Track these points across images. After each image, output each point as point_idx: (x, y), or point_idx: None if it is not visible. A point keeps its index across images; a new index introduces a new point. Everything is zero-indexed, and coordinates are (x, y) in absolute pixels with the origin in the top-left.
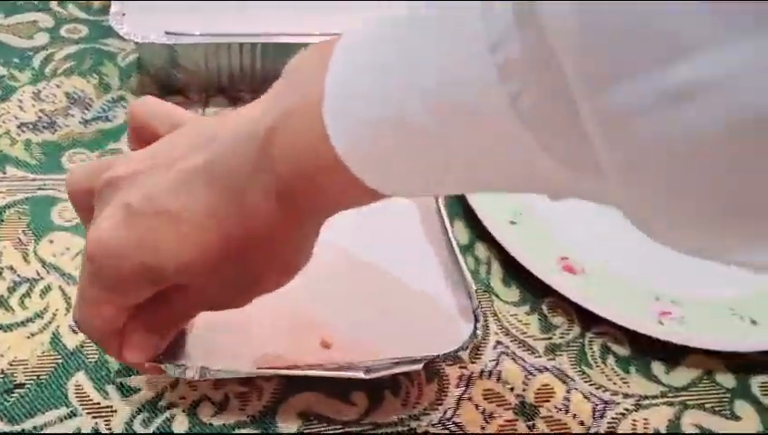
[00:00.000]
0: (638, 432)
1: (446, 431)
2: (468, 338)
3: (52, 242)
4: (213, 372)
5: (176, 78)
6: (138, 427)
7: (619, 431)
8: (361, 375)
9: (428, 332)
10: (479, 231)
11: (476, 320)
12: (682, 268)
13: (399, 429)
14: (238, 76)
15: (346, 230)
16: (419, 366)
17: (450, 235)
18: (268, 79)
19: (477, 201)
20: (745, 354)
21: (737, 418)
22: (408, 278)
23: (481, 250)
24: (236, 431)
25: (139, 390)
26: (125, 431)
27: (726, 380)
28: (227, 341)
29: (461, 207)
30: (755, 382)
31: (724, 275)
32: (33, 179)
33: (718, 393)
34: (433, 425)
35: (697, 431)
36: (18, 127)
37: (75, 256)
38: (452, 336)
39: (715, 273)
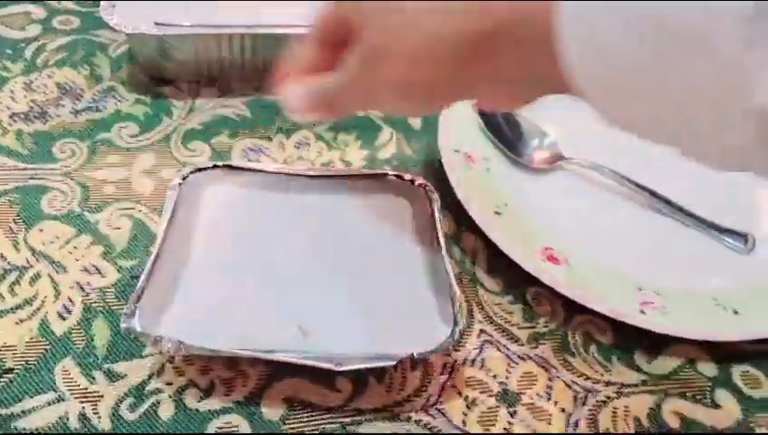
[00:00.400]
0: (619, 420)
1: (429, 417)
2: (444, 341)
3: (41, 231)
4: (187, 346)
5: (166, 69)
6: (124, 411)
7: (600, 419)
8: (331, 367)
9: (406, 329)
10: (466, 221)
11: (455, 324)
12: (665, 259)
13: (383, 414)
14: (228, 67)
15: (336, 223)
16: (392, 363)
17: (440, 235)
18: (258, 69)
19: (463, 192)
20: (727, 344)
21: (718, 406)
22: (391, 274)
23: (467, 240)
24: (221, 416)
25: (126, 375)
26: (112, 416)
27: (708, 369)
28: (207, 320)
29: (448, 198)
30: (737, 372)
31: (706, 266)
32: (24, 169)
33: (699, 382)
34: (416, 411)
35: (678, 419)
36: (10, 117)
37: (64, 244)
38: (429, 335)
39: (698, 264)
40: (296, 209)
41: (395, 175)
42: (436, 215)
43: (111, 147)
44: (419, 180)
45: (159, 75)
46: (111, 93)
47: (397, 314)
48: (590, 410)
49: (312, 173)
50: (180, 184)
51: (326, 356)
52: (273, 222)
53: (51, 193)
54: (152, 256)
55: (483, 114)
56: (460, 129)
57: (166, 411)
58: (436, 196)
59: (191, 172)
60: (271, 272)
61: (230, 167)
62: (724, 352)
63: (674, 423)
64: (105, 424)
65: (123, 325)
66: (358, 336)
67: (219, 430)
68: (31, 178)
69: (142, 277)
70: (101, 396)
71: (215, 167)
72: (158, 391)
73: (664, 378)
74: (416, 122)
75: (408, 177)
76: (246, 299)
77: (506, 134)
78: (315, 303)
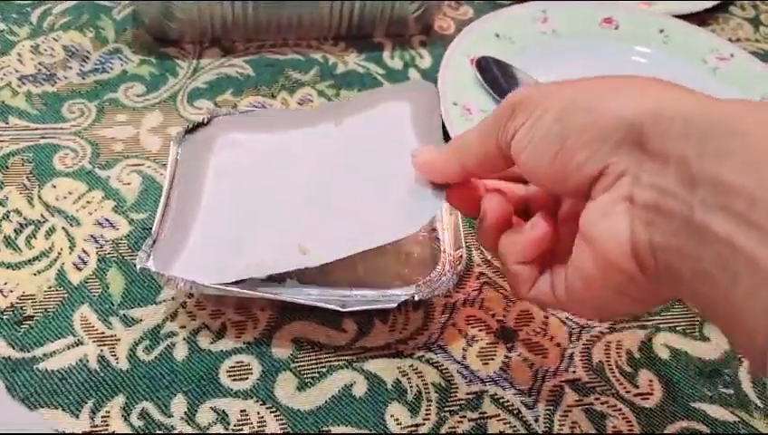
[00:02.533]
0: (611, 353)
1: (431, 353)
2: (443, 281)
3: (54, 187)
4: (198, 286)
5: (170, 29)
6: (140, 353)
7: (594, 352)
8: (337, 308)
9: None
10: None
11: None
12: None
13: (387, 352)
14: (231, 27)
15: (339, 144)
16: (393, 305)
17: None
18: (261, 30)
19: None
20: None
21: (706, 339)
22: (383, 188)
23: None
24: (233, 356)
25: (141, 320)
26: (129, 357)
27: None
28: (217, 257)
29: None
30: None
31: None
32: (36, 129)
33: (688, 317)
34: (418, 348)
35: (668, 351)
36: (19, 79)
37: (77, 199)
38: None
39: None
40: (298, 141)
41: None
42: (439, 112)
43: (119, 106)
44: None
45: (164, 36)
46: (117, 55)
47: (389, 208)
48: (584, 344)
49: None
50: (183, 137)
51: (334, 298)
52: (273, 158)
53: (62, 151)
54: (161, 204)
55: (480, 69)
56: (459, 82)
57: (180, 352)
58: (435, 90)
59: (191, 127)
60: (275, 203)
61: (229, 115)
62: None
63: (664, 355)
64: (123, 365)
65: (139, 266)
66: (354, 248)
67: (232, 370)
68: (42, 138)
69: (155, 224)
70: (118, 339)
71: (211, 119)
72: (173, 334)
73: (655, 314)
74: (416, 78)
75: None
76: (252, 232)
77: (503, 88)
78: (315, 223)
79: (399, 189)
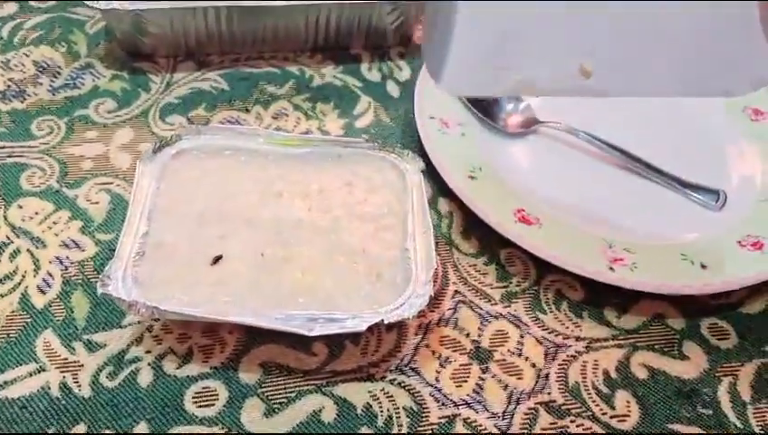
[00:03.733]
0: (588, 373)
1: (404, 376)
2: (409, 306)
3: (21, 207)
4: (161, 311)
5: (143, 44)
6: (104, 380)
7: (570, 372)
8: (304, 332)
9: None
10: (441, 186)
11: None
12: (637, 218)
13: (358, 375)
14: (205, 40)
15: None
16: (362, 329)
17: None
18: (236, 42)
19: (438, 158)
20: (695, 298)
21: (685, 357)
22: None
23: (443, 205)
24: (200, 382)
25: (105, 345)
26: (92, 384)
27: (677, 323)
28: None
29: (424, 165)
30: (704, 324)
31: (677, 223)
32: (3, 147)
33: (667, 335)
34: (390, 371)
35: (646, 371)
36: None
37: (43, 219)
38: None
39: (670, 220)
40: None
41: (371, 143)
42: (421, 182)
43: (89, 123)
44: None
45: (136, 51)
46: (89, 70)
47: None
48: (560, 364)
49: (291, 146)
50: (153, 154)
51: (301, 321)
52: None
53: (29, 170)
54: (126, 221)
55: None
56: (436, 96)
57: (145, 378)
58: (419, 162)
59: (162, 143)
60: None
61: (203, 130)
62: (693, 307)
63: (642, 375)
64: (85, 392)
65: (100, 291)
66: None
67: (197, 395)
68: (9, 157)
69: (119, 242)
70: (82, 365)
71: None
72: (137, 359)
73: (633, 332)
74: (394, 90)
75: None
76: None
77: (481, 100)
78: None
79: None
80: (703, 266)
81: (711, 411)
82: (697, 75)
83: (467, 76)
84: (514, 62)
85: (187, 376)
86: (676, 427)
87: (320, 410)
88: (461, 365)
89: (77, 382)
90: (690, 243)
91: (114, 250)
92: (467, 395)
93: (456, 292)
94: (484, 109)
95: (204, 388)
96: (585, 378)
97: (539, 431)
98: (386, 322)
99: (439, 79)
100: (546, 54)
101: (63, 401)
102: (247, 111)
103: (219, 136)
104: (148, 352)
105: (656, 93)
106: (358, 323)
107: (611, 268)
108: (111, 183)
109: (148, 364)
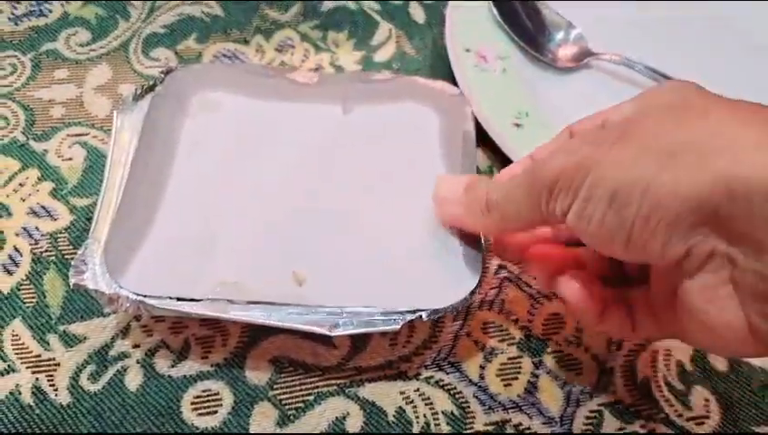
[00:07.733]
0: (659, 366)
1: (442, 373)
2: (462, 299)
3: None
4: (149, 306)
5: None
6: (85, 382)
7: (638, 366)
8: (324, 332)
9: (419, 284)
10: (479, 134)
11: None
12: None
13: (387, 372)
14: None
15: (343, 139)
16: (397, 327)
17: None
18: None
19: (476, 100)
20: None
21: None
22: (406, 222)
23: (481, 158)
24: (198, 383)
25: (86, 338)
26: (70, 387)
27: None
28: (181, 267)
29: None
30: None
31: None
32: None
33: None
34: (426, 367)
35: (726, 361)
36: None
37: (7, 181)
38: (442, 293)
39: None
40: (290, 118)
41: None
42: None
43: (58, 59)
44: (452, 89)
45: None
46: None
47: (407, 268)
48: (626, 355)
49: (315, 79)
50: (135, 99)
51: (321, 317)
52: (262, 140)
53: None
54: (102, 191)
55: (497, 3)
56: (471, 22)
57: (133, 380)
58: (469, 109)
59: (144, 88)
60: (260, 202)
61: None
62: None
63: (722, 366)
64: (63, 398)
65: (73, 281)
66: (362, 290)
67: (197, 401)
68: None
69: (94, 219)
70: (58, 364)
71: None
72: (124, 355)
73: None
74: (419, 14)
75: (438, 84)
76: (232, 234)
77: (526, 27)
78: (314, 242)
79: (425, 226)
80: None
81: None
82: (398, 289)
83: (157, 276)
84: (219, 257)
85: (184, 376)
86: (765, 429)
87: (344, 417)
88: (509, 359)
89: (53, 386)
90: None
91: (91, 218)
92: (518, 396)
93: (501, 267)
94: (530, 38)
95: (204, 391)
96: (656, 372)
97: None
98: (423, 318)
99: (119, 278)
100: (254, 249)
101: (38, 410)
102: (246, 42)
103: (226, 71)
104: (136, 346)
105: (370, 303)
106: (389, 320)
107: None
108: (87, 134)
109: (137, 362)
